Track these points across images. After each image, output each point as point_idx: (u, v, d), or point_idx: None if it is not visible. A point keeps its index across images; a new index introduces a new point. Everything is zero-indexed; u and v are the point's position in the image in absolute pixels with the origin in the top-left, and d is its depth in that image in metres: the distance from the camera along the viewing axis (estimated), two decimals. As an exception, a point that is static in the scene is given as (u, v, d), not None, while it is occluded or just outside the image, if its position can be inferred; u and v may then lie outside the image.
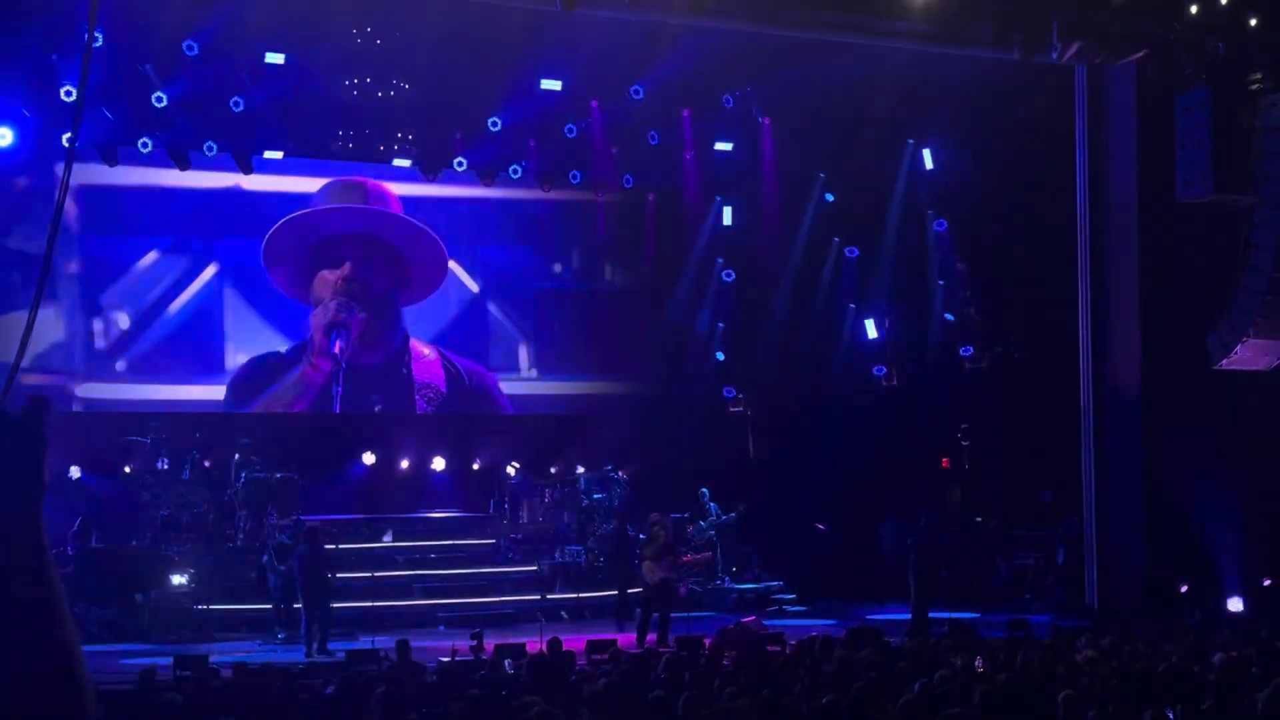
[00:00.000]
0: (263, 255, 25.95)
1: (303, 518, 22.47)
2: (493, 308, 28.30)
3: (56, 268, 24.59)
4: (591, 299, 28.85)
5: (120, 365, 25.72)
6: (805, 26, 22.37)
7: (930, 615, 21.84)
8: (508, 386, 28.26)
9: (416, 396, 27.24)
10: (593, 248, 28.84)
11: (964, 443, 27.07)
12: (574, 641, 17.33)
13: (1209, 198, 21.95)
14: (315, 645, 19.74)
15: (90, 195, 24.96)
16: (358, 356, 26.40)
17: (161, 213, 25.66)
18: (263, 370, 26.36)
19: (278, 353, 26.49)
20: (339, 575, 21.80)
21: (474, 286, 28.10)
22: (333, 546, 22.36)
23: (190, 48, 22.13)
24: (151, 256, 25.85)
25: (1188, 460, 22.58)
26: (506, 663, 15.57)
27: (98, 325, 25.57)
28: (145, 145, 23.78)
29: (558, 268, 28.90)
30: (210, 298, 26.24)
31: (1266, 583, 21.41)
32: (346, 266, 26.34)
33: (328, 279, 26.29)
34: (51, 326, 24.85)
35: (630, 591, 22.81)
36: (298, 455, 25.15)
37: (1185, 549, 22.39)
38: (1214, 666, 12.11)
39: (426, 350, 27.40)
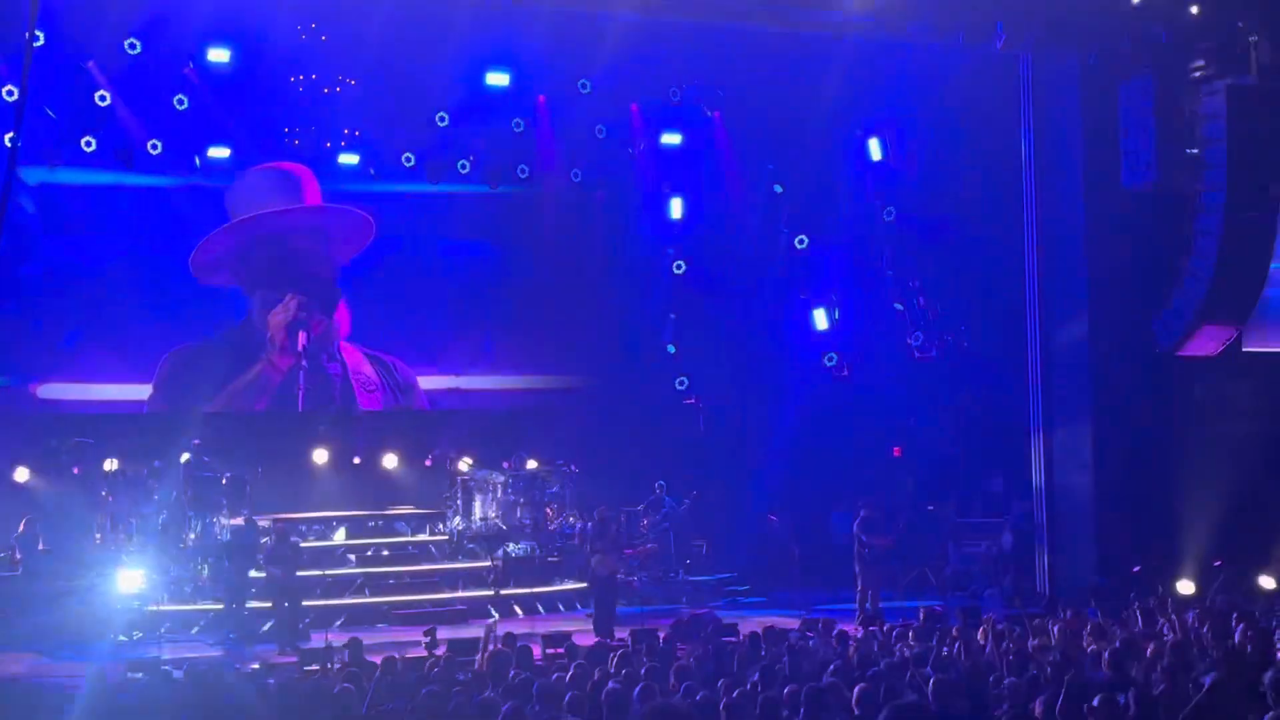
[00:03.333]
0: (192, 265, 25.88)
1: (254, 516, 22.36)
2: (453, 303, 28.23)
3: (15, 268, 24.49)
4: (546, 292, 28.78)
5: (80, 365, 25.53)
6: (750, 19, 22.40)
7: (882, 604, 21.99)
8: (463, 381, 28.25)
9: (355, 391, 27.19)
10: (546, 241, 28.77)
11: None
12: (530, 637, 17.34)
13: (1154, 184, 22.14)
14: (286, 641, 19.72)
15: (50, 195, 24.85)
16: (314, 351, 26.46)
17: (118, 211, 25.48)
18: (197, 365, 26.18)
19: (204, 344, 26.34)
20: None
21: (435, 275, 28.02)
22: (302, 542, 22.36)
23: (132, 46, 21.92)
24: (109, 256, 25.67)
25: (1137, 444, 22.75)
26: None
27: (56, 325, 25.37)
28: (89, 144, 23.55)
29: (516, 262, 28.84)
30: (168, 296, 26.03)
31: (1217, 564, 21.57)
32: (290, 246, 26.55)
33: (265, 260, 26.37)
34: (11, 327, 24.68)
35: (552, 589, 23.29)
36: (247, 454, 25.02)
37: (1136, 533, 22.54)
38: (1164, 650, 12.20)
39: (355, 350, 27.40)
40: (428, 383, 28.08)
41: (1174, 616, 16.27)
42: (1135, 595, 19.49)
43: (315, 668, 15.53)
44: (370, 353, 27.52)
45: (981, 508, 26.73)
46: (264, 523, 22.41)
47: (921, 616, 16.86)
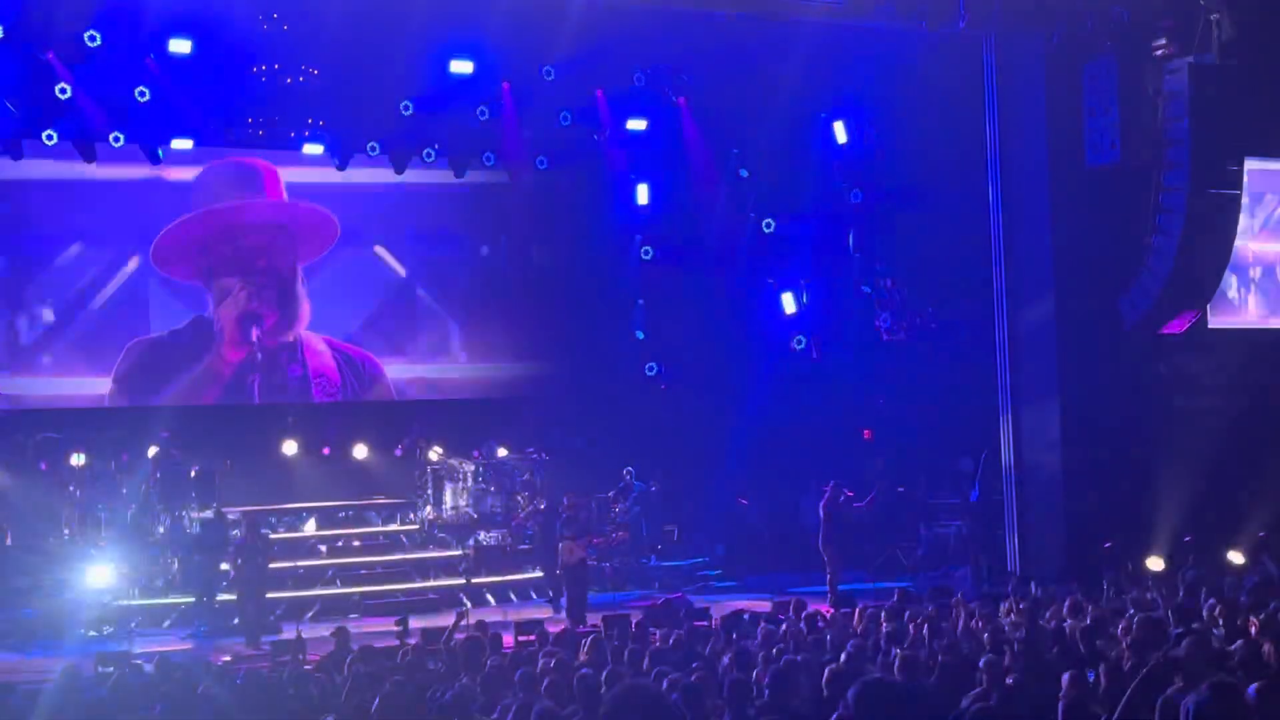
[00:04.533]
0: (153, 255, 25.78)
1: (223, 508, 22.30)
2: (421, 292, 28.24)
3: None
4: (513, 280, 28.82)
5: (46, 359, 25.48)
6: (713, 3, 22.37)
7: (850, 585, 22.08)
8: (431, 370, 28.22)
9: (312, 386, 27.15)
10: (517, 230, 28.80)
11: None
12: (501, 624, 17.35)
13: (1118, 163, 22.22)
14: (253, 634, 19.68)
15: (9, 189, 24.74)
16: (268, 343, 26.46)
17: (83, 205, 25.39)
18: (155, 358, 26.12)
19: (163, 336, 26.25)
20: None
21: (401, 271, 28.05)
22: (273, 535, 22.33)
23: (92, 38, 21.73)
24: (74, 249, 25.59)
25: (1105, 422, 22.84)
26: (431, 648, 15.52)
27: (21, 320, 25.29)
28: (50, 138, 23.40)
29: (484, 250, 28.85)
30: (134, 290, 25.98)
31: (1187, 539, 21.71)
32: (251, 237, 26.63)
33: (225, 249, 26.38)
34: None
35: (519, 577, 23.54)
36: (216, 447, 24.98)
37: (1105, 510, 22.64)
38: (1132, 625, 12.25)
39: (319, 343, 27.29)
40: (395, 371, 28.04)
41: (1148, 594, 16.40)
42: (1106, 572, 19.62)
43: (286, 659, 15.52)
44: (336, 345, 27.45)
45: (951, 488, 26.83)
46: (233, 515, 22.36)
47: (896, 597, 16.89)
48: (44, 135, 23.34)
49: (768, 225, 27.84)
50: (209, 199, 26.43)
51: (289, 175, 26.81)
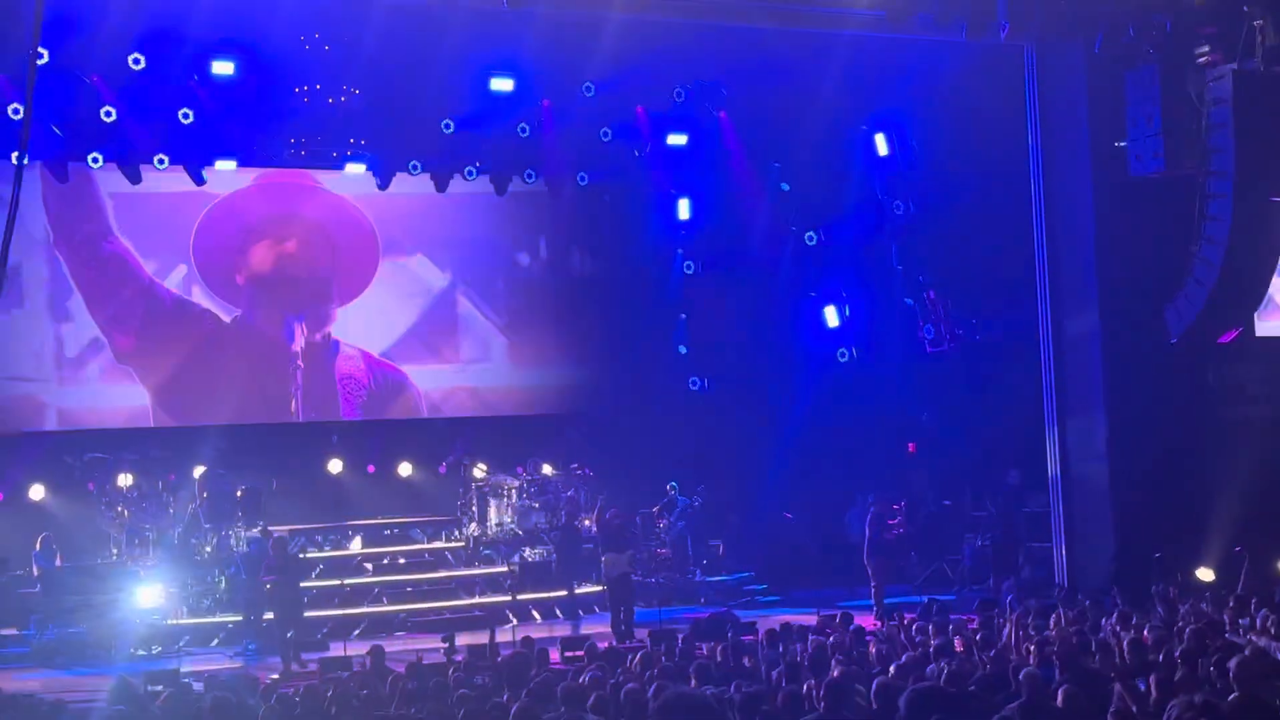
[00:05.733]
0: (194, 245, 26.00)
1: (270, 527, 22.37)
2: (463, 301, 28.28)
3: (26, 276, 24.68)
4: (562, 289, 28.86)
5: (92, 370, 25.60)
6: (750, 17, 22.36)
7: (896, 599, 21.99)
8: (478, 378, 28.27)
9: (340, 399, 27.21)
10: (558, 244, 28.89)
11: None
12: (548, 640, 17.35)
13: (1162, 172, 22.07)
14: (290, 654, 19.69)
15: (53, 202, 24.97)
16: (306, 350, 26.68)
17: (128, 215, 25.60)
18: (195, 367, 26.48)
19: (196, 348, 26.45)
20: (307, 584, 21.80)
21: (443, 280, 28.10)
22: (303, 555, 22.34)
23: (136, 60, 21.92)
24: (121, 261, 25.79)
25: (1151, 433, 22.66)
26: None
27: (67, 331, 25.45)
28: (96, 160, 23.62)
29: (525, 258, 28.89)
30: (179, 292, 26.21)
31: (1238, 549, 21.50)
32: (290, 245, 26.59)
33: (266, 258, 26.45)
34: (22, 335, 24.81)
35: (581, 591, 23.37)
36: (261, 465, 25.10)
37: (1153, 521, 22.45)
38: (1183, 636, 12.16)
39: (351, 351, 27.39)
40: (437, 380, 28.04)
41: (1200, 605, 16.27)
42: (1155, 583, 19.46)
43: (339, 675, 15.55)
44: (367, 355, 27.47)
45: (997, 500, 26.66)
46: (279, 533, 22.46)
47: (936, 610, 16.81)
48: (89, 158, 23.54)
49: (810, 238, 27.84)
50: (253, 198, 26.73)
51: (331, 185, 26.92)
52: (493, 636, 17.04)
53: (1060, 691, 10.36)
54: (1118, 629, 14.48)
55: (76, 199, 25.24)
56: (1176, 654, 11.73)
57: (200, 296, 26.27)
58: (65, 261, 25.39)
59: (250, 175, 26.26)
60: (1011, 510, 24.43)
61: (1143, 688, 10.37)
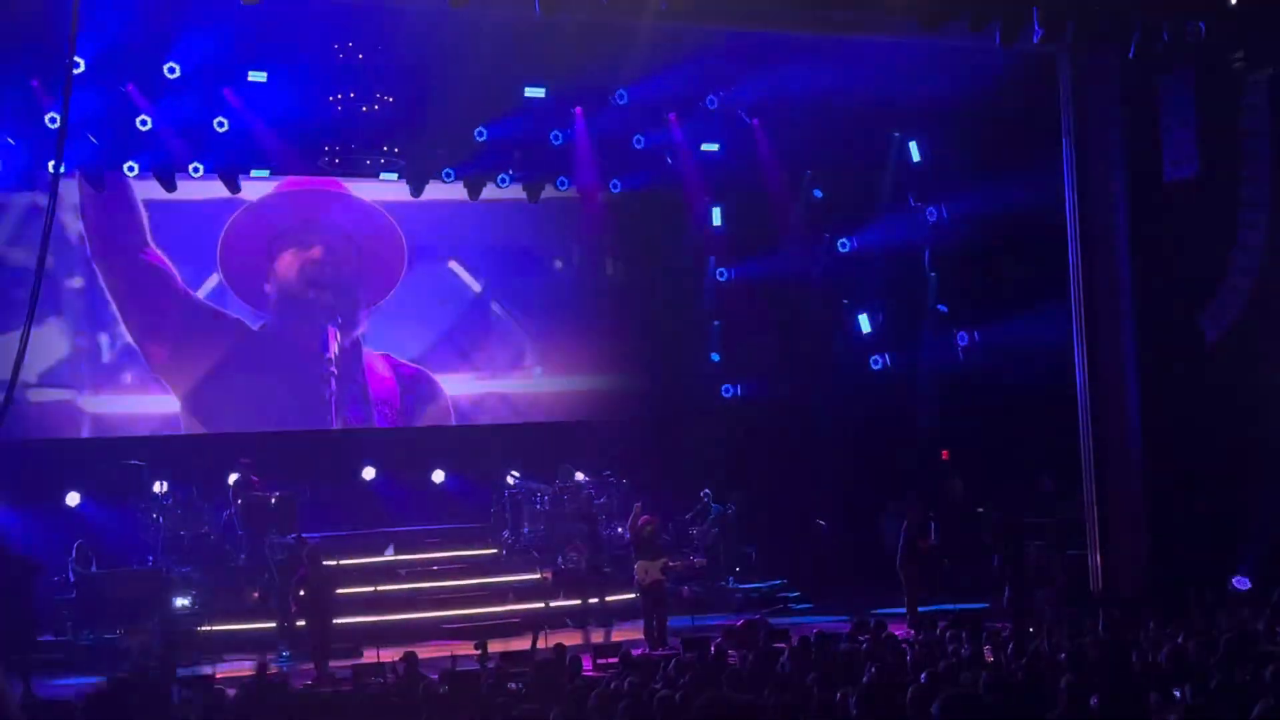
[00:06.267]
0: (221, 250, 26.12)
1: (304, 535, 22.41)
2: (496, 307, 28.30)
3: (61, 284, 24.86)
4: (594, 296, 28.87)
5: (127, 377, 25.70)
6: (783, 24, 22.34)
7: (932, 607, 21.88)
8: (510, 385, 28.29)
9: (374, 411, 27.26)
10: (591, 251, 28.90)
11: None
12: (580, 648, 17.35)
13: (1196, 178, 21.98)
14: (323, 661, 19.72)
15: (87, 209, 25.12)
16: (337, 358, 26.75)
17: (163, 223, 25.74)
18: (226, 374, 26.44)
19: (227, 353, 26.47)
20: (341, 591, 21.83)
21: (476, 286, 28.13)
22: (334, 562, 22.39)
23: (171, 70, 22.06)
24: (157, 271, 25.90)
25: (1187, 439, 22.54)
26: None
27: (103, 338, 25.56)
28: (131, 169, 23.80)
29: (558, 265, 28.90)
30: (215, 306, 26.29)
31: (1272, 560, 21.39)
32: (317, 250, 26.61)
33: (292, 264, 26.52)
34: (57, 343, 24.93)
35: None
36: (295, 472, 25.17)
37: (1189, 529, 22.33)
38: (1219, 645, 12.08)
39: (379, 362, 27.43)
40: (469, 386, 28.07)
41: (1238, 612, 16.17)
42: (1191, 591, 19.34)
43: (373, 681, 15.58)
44: (395, 363, 27.51)
45: (1032, 508, 26.54)
46: (313, 540, 22.51)
47: (971, 617, 16.76)
48: (125, 166, 23.73)
49: (843, 245, 27.82)
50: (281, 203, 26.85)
51: (363, 192, 26.99)
52: (535, 640, 17.06)
53: (1096, 700, 10.30)
54: (1154, 637, 14.40)
55: (113, 209, 25.31)
56: (1212, 662, 11.65)
57: (232, 305, 26.31)
58: (101, 273, 25.41)
59: (278, 182, 26.29)
60: (1014, 526, 24.05)
61: (1178, 696, 10.30)
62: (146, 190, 25.27)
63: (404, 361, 27.60)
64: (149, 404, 25.81)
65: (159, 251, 25.82)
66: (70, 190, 24.33)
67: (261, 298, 26.52)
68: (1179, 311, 22.65)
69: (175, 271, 25.92)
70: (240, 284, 26.36)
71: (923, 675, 11.46)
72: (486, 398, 28.28)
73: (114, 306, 25.54)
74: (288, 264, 26.68)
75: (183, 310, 25.93)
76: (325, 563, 21.24)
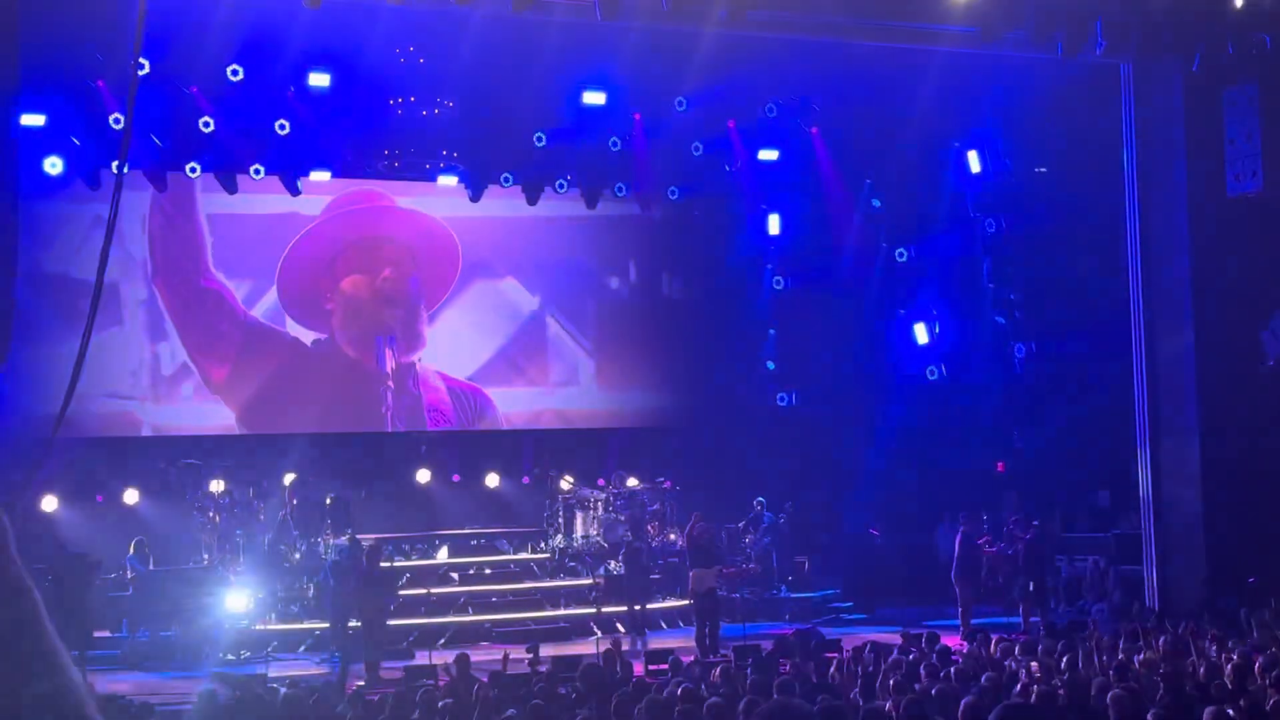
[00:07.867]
0: (280, 273, 26.20)
1: (358, 535, 22.52)
2: (552, 322, 28.33)
3: (123, 297, 25.03)
4: (650, 310, 28.86)
5: (186, 390, 25.86)
6: (843, 33, 22.30)
7: (983, 619, 21.78)
8: (565, 400, 28.33)
9: (426, 418, 27.32)
10: (648, 259, 28.89)
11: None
12: (630, 653, 17.35)
13: (1260, 192, 21.76)
14: (376, 662, 19.79)
15: (154, 218, 25.35)
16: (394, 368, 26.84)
17: (224, 235, 25.91)
18: (284, 383, 26.61)
19: (286, 361, 26.57)
20: (394, 593, 21.93)
21: (533, 301, 28.17)
22: (388, 564, 22.49)
23: (235, 72, 22.25)
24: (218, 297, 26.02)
25: (1246, 456, 22.32)
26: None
27: (164, 349, 25.73)
28: (194, 170, 23.97)
29: (615, 279, 28.91)
30: (274, 320, 26.41)
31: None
32: (387, 270, 26.76)
33: (360, 283, 26.61)
34: (119, 353, 25.09)
35: (651, 607, 23.59)
36: (350, 474, 25.33)
37: (1247, 546, 22.11)
38: (1276, 662, 11.97)
39: (434, 378, 27.50)
40: (525, 402, 28.11)
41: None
42: (1248, 608, 19.15)
43: (424, 683, 15.63)
44: (448, 379, 27.56)
45: (1088, 522, 26.39)
46: (368, 542, 22.62)
47: (1025, 631, 16.67)
48: (187, 168, 23.88)
49: (900, 255, 27.74)
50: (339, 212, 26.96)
51: (420, 204, 27.08)
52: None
53: (1151, 716, 10.23)
54: (1210, 653, 14.28)
55: (178, 221, 25.40)
56: (1268, 681, 11.55)
57: (290, 324, 26.41)
58: (162, 295, 25.53)
59: (335, 190, 26.30)
60: (1038, 540, 23.79)
61: (1231, 713, 10.22)
62: (209, 203, 25.42)
63: (462, 380, 27.61)
64: (208, 414, 25.91)
65: (218, 275, 25.88)
66: (134, 205, 24.49)
67: (321, 316, 26.57)
68: (1241, 326, 22.42)
69: (234, 291, 26.01)
70: (299, 305, 26.37)
71: (974, 687, 11.42)
72: (542, 414, 28.26)
73: (173, 325, 25.69)
74: (355, 283, 26.70)
75: (241, 332, 26.01)
76: (380, 564, 21.35)
